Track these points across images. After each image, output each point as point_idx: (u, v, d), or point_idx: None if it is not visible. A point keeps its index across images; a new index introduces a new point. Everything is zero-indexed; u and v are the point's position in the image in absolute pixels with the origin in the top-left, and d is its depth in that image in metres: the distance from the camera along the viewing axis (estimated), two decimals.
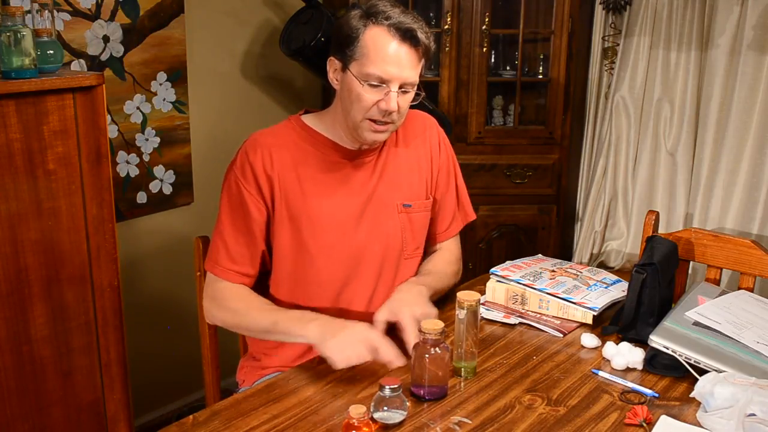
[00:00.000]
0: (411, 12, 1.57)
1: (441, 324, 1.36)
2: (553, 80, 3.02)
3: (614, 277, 1.84)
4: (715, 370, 1.38)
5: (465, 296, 1.43)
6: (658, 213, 2.04)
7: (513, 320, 1.69)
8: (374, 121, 1.55)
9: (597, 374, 1.48)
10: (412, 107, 1.62)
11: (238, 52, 2.85)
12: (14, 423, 1.78)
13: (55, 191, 1.77)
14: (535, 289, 1.71)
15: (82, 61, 2.32)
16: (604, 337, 1.61)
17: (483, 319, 1.69)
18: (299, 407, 1.35)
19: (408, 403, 1.31)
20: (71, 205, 1.80)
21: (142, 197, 2.58)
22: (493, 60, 3.10)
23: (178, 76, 2.61)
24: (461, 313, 1.42)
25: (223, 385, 1.84)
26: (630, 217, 3.42)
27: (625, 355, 1.50)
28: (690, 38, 3.09)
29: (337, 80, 1.60)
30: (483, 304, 1.75)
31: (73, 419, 1.90)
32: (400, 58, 1.52)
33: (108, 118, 2.13)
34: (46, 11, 1.79)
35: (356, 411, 1.18)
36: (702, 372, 1.39)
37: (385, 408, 1.28)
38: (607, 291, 1.74)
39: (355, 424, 1.18)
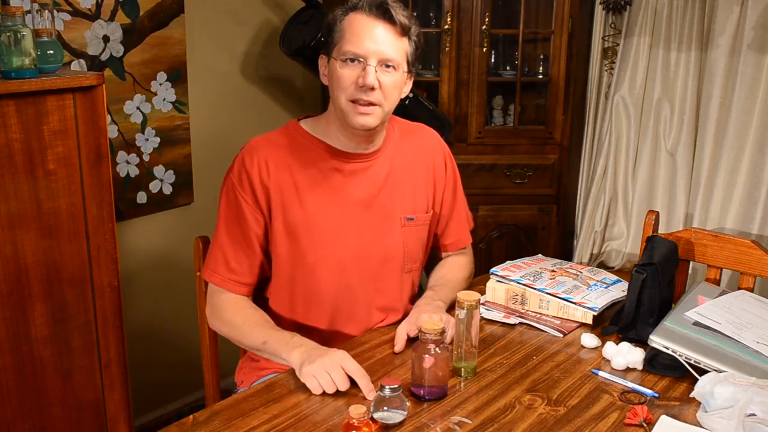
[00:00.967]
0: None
1: (441, 324, 1.36)
2: (553, 80, 3.02)
3: (614, 277, 1.84)
4: (715, 370, 1.38)
5: (465, 296, 1.43)
6: (658, 213, 2.04)
7: (513, 320, 1.69)
8: (357, 102, 1.54)
9: (597, 374, 1.48)
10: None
11: (238, 52, 2.85)
12: (14, 423, 1.78)
13: (55, 191, 1.77)
14: (535, 289, 1.71)
15: (82, 61, 2.32)
16: (604, 337, 1.61)
17: (483, 319, 1.69)
18: (299, 407, 1.35)
19: (408, 403, 1.31)
20: (71, 205, 1.80)
21: (142, 197, 2.58)
22: (493, 60, 3.10)
23: (178, 76, 2.61)
24: (461, 313, 1.42)
25: (223, 385, 1.84)
26: (630, 217, 3.42)
27: (625, 355, 1.50)
28: (690, 38, 3.09)
29: (325, 75, 1.62)
30: (483, 304, 1.75)
31: (73, 419, 1.90)
32: (375, 34, 1.52)
33: (108, 118, 2.13)
34: (46, 11, 1.79)
35: (356, 411, 1.18)
36: (702, 372, 1.39)
37: (385, 408, 1.28)
38: (607, 291, 1.74)
39: (355, 424, 1.18)
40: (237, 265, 1.61)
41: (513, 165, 3.06)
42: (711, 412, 1.29)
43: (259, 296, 1.70)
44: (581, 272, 1.83)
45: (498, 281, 1.76)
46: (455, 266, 1.82)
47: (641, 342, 1.54)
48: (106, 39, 2.37)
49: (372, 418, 1.27)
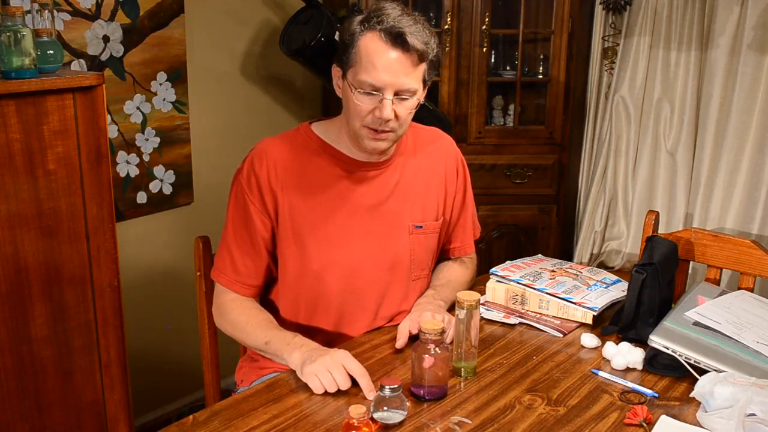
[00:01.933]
0: (411, 14, 1.51)
1: (441, 324, 1.36)
2: (553, 80, 3.02)
3: (614, 277, 1.84)
4: (715, 370, 1.38)
5: (465, 296, 1.43)
6: (658, 213, 2.04)
7: (513, 320, 1.69)
8: (373, 129, 1.52)
9: (597, 374, 1.48)
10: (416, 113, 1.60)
11: (238, 52, 2.85)
12: (14, 423, 1.78)
13: (55, 191, 1.77)
14: (535, 289, 1.71)
15: (82, 61, 2.32)
16: (604, 337, 1.61)
17: (483, 319, 1.69)
18: (299, 407, 1.35)
19: (408, 403, 1.31)
20: (71, 205, 1.80)
21: (142, 197, 2.58)
22: (493, 60, 3.10)
23: (178, 76, 2.61)
24: (461, 313, 1.42)
25: (223, 385, 1.84)
26: (630, 217, 3.42)
27: (625, 355, 1.50)
28: (690, 38, 3.09)
29: (339, 87, 1.57)
30: (483, 304, 1.75)
31: (73, 419, 1.90)
32: (392, 65, 1.46)
33: (108, 118, 2.13)
34: (46, 11, 1.79)
35: (356, 411, 1.18)
36: (702, 372, 1.39)
37: (385, 408, 1.28)
38: (607, 291, 1.74)
39: (355, 424, 1.18)
40: (243, 267, 1.61)
41: (513, 165, 3.06)
42: (711, 412, 1.29)
43: (265, 297, 1.70)
44: (581, 272, 1.83)
45: (498, 281, 1.76)
46: (458, 269, 1.82)
47: (641, 342, 1.54)
48: (106, 39, 2.37)
49: (372, 418, 1.27)
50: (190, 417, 1.31)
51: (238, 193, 1.60)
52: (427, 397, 1.36)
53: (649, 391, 1.41)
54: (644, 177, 3.32)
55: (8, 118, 1.66)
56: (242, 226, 1.60)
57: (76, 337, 1.87)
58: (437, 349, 1.35)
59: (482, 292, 1.78)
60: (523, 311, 1.73)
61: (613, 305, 1.71)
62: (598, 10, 3.25)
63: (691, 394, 1.35)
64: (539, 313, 1.71)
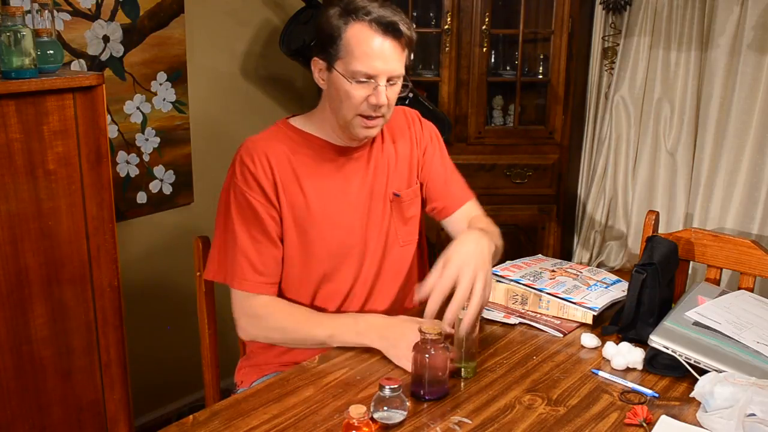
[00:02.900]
0: (389, 4, 1.57)
1: (441, 324, 1.37)
2: (553, 80, 3.02)
3: (614, 277, 1.84)
4: (715, 370, 1.38)
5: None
6: (658, 213, 2.04)
7: (513, 320, 1.69)
8: (365, 117, 1.56)
9: (597, 374, 1.48)
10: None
11: (238, 52, 2.85)
12: (14, 423, 1.78)
13: (55, 191, 1.77)
14: (535, 289, 1.71)
15: (82, 61, 2.32)
16: (604, 337, 1.61)
17: (483, 319, 1.69)
18: (299, 407, 1.35)
19: (408, 403, 1.31)
20: (71, 205, 1.80)
21: (142, 197, 2.58)
22: (493, 60, 3.10)
23: (178, 76, 2.61)
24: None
25: (223, 385, 1.84)
26: (630, 217, 3.42)
27: (625, 355, 1.50)
28: (690, 38, 3.09)
29: (323, 80, 1.60)
30: None
31: (73, 419, 1.90)
32: (385, 52, 1.52)
33: (108, 118, 2.13)
34: (46, 11, 1.79)
35: (356, 411, 1.18)
36: (702, 372, 1.39)
37: (385, 408, 1.28)
38: (607, 291, 1.74)
39: (355, 424, 1.18)
40: (264, 266, 1.60)
41: (513, 165, 3.06)
42: (711, 412, 1.29)
43: None
44: (581, 272, 1.83)
45: (498, 281, 1.76)
46: (479, 221, 1.76)
47: (641, 342, 1.54)
48: (106, 39, 2.37)
49: (372, 418, 1.27)
50: (190, 417, 1.31)
51: (239, 196, 1.60)
52: (427, 397, 1.36)
53: (649, 391, 1.41)
54: (644, 177, 3.32)
55: (8, 118, 1.66)
56: (253, 225, 1.59)
57: (76, 337, 1.87)
58: (437, 349, 1.35)
59: None
60: (523, 311, 1.73)
61: (613, 305, 1.71)
62: (598, 10, 3.25)
63: (691, 394, 1.35)
64: (539, 313, 1.71)
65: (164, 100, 2.58)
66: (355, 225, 1.67)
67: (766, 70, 2.91)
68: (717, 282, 1.91)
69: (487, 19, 2.90)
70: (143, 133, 2.54)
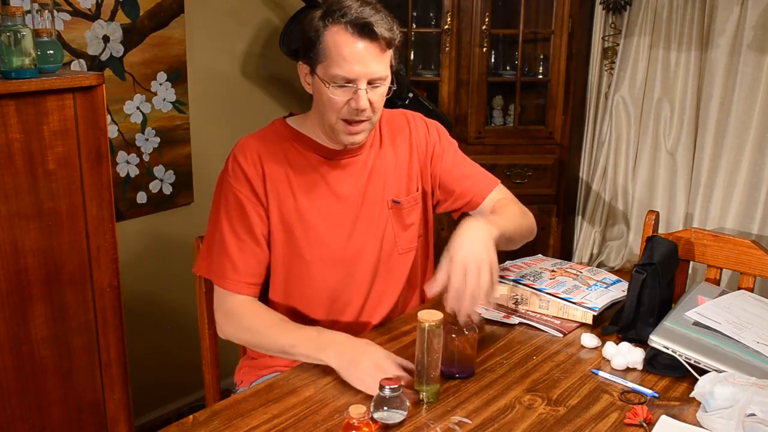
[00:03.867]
0: (371, 3, 1.52)
1: (440, 315, 1.34)
2: (553, 80, 3.02)
3: (614, 277, 1.84)
4: (715, 370, 1.38)
5: (426, 316, 1.33)
6: (658, 213, 2.04)
7: (513, 320, 1.69)
8: (348, 122, 1.54)
9: (597, 374, 1.48)
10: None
11: (238, 52, 2.85)
12: (14, 423, 1.78)
13: (55, 191, 1.77)
14: (535, 289, 1.71)
15: (82, 61, 2.32)
16: (604, 337, 1.61)
17: (483, 319, 1.69)
18: (299, 407, 1.35)
19: (408, 403, 1.31)
20: (71, 205, 1.80)
21: (142, 197, 2.59)
22: (493, 60, 3.10)
23: (178, 76, 2.61)
24: (421, 334, 1.35)
25: (223, 385, 1.84)
26: (630, 217, 3.42)
27: (625, 355, 1.50)
28: (690, 38, 3.09)
29: (308, 84, 1.59)
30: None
31: (73, 419, 1.90)
32: (362, 55, 1.48)
33: (108, 118, 2.13)
34: (46, 11, 1.79)
35: (356, 411, 1.18)
36: (702, 372, 1.39)
37: (385, 408, 1.28)
38: (607, 291, 1.74)
39: (355, 424, 1.18)
40: (245, 266, 1.59)
41: (513, 165, 3.06)
42: (711, 412, 1.29)
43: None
44: (581, 272, 1.83)
45: (498, 281, 1.76)
46: (498, 206, 1.74)
47: (641, 342, 1.54)
48: (106, 39, 2.37)
49: (372, 418, 1.27)
50: (190, 417, 1.31)
51: (228, 193, 1.60)
52: (458, 375, 1.43)
53: (649, 391, 1.41)
54: (644, 177, 3.32)
55: (8, 118, 1.66)
56: (239, 222, 1.59)
57: (76, 337, 1.87)
58: (465, 330, 1.41)
59: None
60: (523, 311, 1.73)
61: (613, 305, 1.71)
62: (598, 10, 3.26)
63: (691, 394, 1.35)
64: (539, 313, 1.71)
65: (164, 100, 2.58)
66: (344, 229, 1.64)
67: (766, 70, 2.92)
68: (717, 282, 1.91)
69: (487, 19, 2.90)
70: (143, 133, 2.54)
